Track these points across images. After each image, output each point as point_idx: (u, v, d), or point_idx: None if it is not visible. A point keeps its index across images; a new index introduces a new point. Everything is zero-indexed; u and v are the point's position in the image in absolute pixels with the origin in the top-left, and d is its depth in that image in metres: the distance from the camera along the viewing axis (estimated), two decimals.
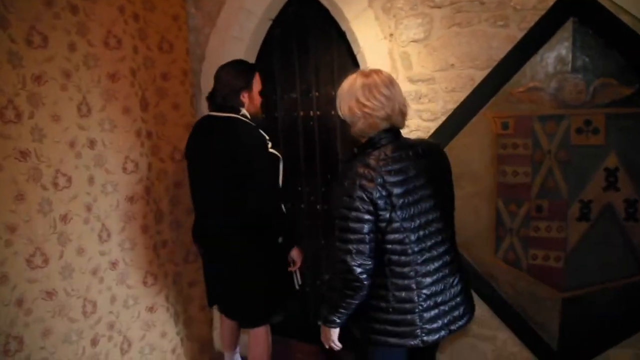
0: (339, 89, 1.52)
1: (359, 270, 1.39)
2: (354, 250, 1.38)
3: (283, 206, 2.19)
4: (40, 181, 1.95)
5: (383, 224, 1.40)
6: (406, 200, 1.43)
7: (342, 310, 1.49)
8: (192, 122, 2.60)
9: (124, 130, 2.32)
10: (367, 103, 1.41)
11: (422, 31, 2.16)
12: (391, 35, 2.23)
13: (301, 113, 2.75)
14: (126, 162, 2.34)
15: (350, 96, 1.45)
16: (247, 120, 2.12)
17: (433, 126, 2.21)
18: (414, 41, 2.18)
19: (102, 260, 2.23)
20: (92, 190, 2.18)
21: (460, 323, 1.58)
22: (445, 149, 2.15)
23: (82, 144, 2.13)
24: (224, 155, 2.05)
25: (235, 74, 2.11)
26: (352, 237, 1.39)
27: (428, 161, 1.54)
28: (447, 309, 1.54)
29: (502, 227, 2.15)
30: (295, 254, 2.25)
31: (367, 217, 1.38)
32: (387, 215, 1.40)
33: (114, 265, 2.30)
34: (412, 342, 1.49)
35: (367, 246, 1.39)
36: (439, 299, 1.52)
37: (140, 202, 2.41)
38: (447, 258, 1.56)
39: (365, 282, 1.42)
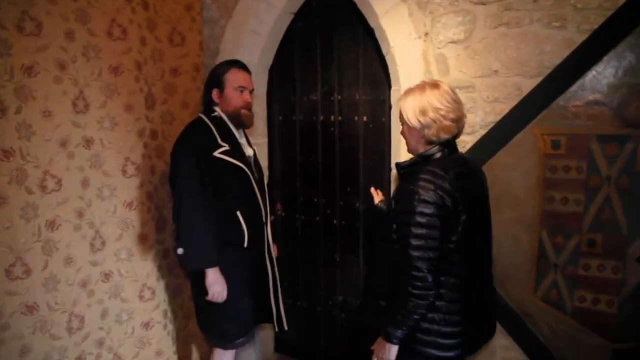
0: (403, 99, 1.53)
1: (430, 277, 1.40)
2: (426, 257, 1.39)
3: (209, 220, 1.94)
4: (25, 183, 1.76)
5: (449, 234, 1.42)
6: (468, 212, 1.43)
7: (410, 323, 1.46)
8: None
9: (125, 129, 2.13)
10: (441, 106, 1.45)
11: (462, 31, 1.89)
12: (426, 34, 1.96)
13: (321, 117, 2.53)
14: (126, 164, 2.14)
15: (421, 101, 1.47)
16: (203, 119, 2.02)
17: (470, 140, 1.94)
18: (453, 42, 1.91)
19: (93, 271, 2.03)
20: (86, 194, 1.99)
21: (489, 335, 1.65)
22: (484, 168, 1.89)
23: (76, 143, 1.93)
24: None
25: (211, 70, 2.08)
26: (428, 244, 1.39)
27: (478, 177, 1.59)
28: (483, 320, 1.60)
29: (545, 261, 1.86)
30: (209, 280, 1.91)
31: (440, 224, 1.39)
32: (454, 226, 1.42)
33: (107, 276, 2.10)
34: (453, 354, 1.50)
35: (437, 253, 1.40)
36: (479, 312, 1.56)
37: (140, 208, 2.21)
38: (488, 272, 1.63)
39: (434, 290, 1.42)
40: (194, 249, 1.89)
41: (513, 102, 1.84)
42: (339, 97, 2.45)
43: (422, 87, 1.50)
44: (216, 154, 1.92)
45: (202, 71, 2.54)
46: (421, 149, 1.53)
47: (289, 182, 2.70)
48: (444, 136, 1.48)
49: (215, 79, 2.02)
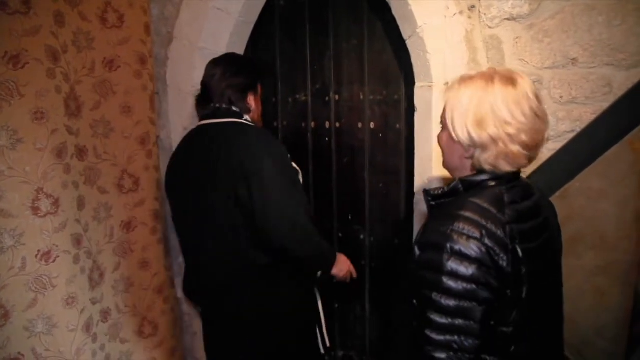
0: (454, 90, 1.03)
1: None
2: (455, 347, 0.93)
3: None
4: None
5: (504, 312, 0.96)
6: (536, 275, 0.99)
7: None
8: (152, 133, 1.87)
9: (34, 146, 1.50)
10: (512, 120, 0.97)
11: (526, 2, 1.36)
12: (472, 8, 1.44)
13: (312, 124, 2.02)
14: (38, 198, 1.52)
15: (482, 102, 0.98)
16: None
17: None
18: (511, 19, 1.40)
19: None
20: None
21: None
22: (555, 197, 1.39)
23: None
24: (227, 171, 1.50)
25: (237, 68, 1.64)
26: (460, 326, 0.93)
27: (548, 217, 1.10)
28: None
29: None
30: (340, 266, 1.64)
31: (486, 294, 0.93)
32: (512, 296, 0.96)
33: None
34: None
35: (478, 342, 0.93)
36: None
37: (62, 259, 1.60)
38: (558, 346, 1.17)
39: None
40: (323, 250, 1.59)
41: (600, 104, 1.35)
42: (337, 97, 1.94)
43: (489, 77, 0.99)
44: (300, 177, 1.61)
45: (150, 64, 1.90)
46: (465, 171, 1.07)
47: None
48: (505, 168, 1.00)
49: (253, 81, 1.65)
